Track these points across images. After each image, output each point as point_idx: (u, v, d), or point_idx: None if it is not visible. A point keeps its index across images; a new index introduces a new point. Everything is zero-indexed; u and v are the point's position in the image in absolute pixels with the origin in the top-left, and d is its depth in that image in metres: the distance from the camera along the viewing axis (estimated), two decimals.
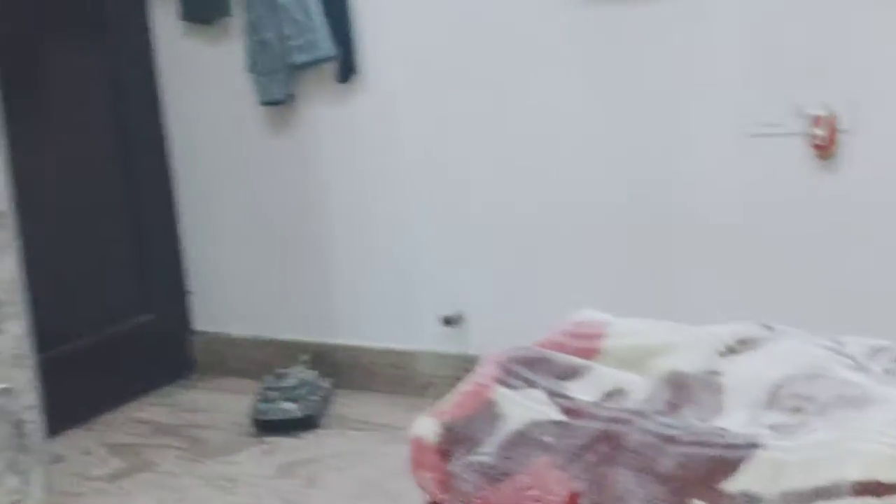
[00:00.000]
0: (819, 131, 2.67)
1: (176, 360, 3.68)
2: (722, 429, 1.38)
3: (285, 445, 3.11)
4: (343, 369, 3.43)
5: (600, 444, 1.43)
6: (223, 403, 3.44)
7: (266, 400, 3.22)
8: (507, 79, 3.09)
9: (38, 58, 3.33)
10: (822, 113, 2.66)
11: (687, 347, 1.57)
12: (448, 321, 3.27)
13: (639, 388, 1.54)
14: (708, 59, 2.83)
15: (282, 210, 3.51)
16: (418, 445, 1.54)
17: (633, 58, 2.93)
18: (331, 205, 3.43)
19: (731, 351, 1.57)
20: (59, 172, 3.34)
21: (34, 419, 2.59)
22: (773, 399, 1.44)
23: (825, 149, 2.69)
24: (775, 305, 2.70)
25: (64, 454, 3.10)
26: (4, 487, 2.50)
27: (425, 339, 3.32)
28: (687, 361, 1.54)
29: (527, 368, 1.56)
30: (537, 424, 1.48)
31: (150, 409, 3.44)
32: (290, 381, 3.27)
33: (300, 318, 3.53)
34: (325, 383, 3.33)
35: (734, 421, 1.42)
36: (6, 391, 2.50)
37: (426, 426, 1.55)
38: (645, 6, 2.88)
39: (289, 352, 3.48)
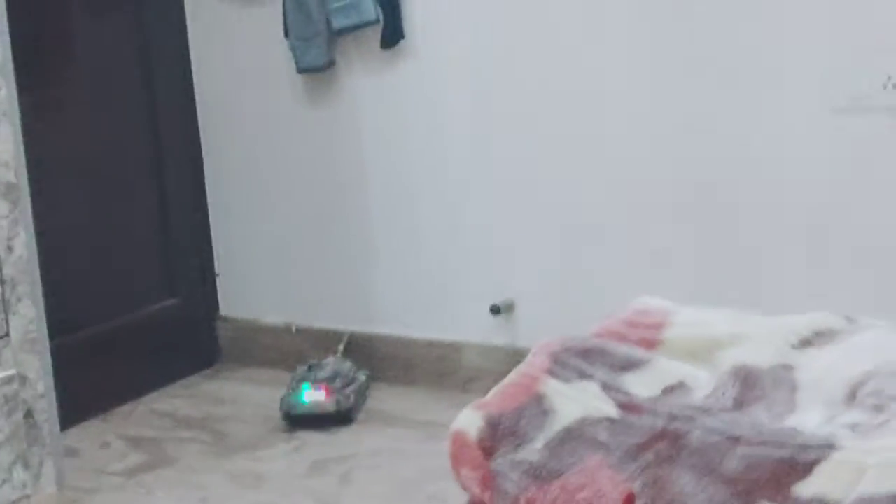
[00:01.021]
0: None
1: (201, 348, 3.70)
2: (794, 428, 1.37)
3: (317, 441, 3.12)
4: (381, 361, 3.44)
5: (659, 443, 1.42)
6: (251, 395, 3.46)
7: (297, 392, 3.23)
8: (561, 47, 3.07)
9: (65, 24, 3.36)
10: None
11: (757, 339, 1.56)
12: (496, 310, 3.26)
13: (703, 382, 1.52)
14: (791, 24, 2.80)
15: (318, 187, 3.52)
16: (460, 440, 1.53)
17: (703, 25, 2.90)
18: (371, 182, 3.43)
19: (806, 344, 1.55)
20: (82, 145, 3.37)
21: (46, 409, 2.62)
22: (852, 397, 1.42)
23: None
24: (860, 296, 2.67)
25: (78, 447, 3.13)
26: (13, 481, 2.53)
27: (471, 329, 3.32)
28: (757, 354, 1.53)
29: (581, 359, 1.55)
30: (590, 421, 1.47)
31: (172, 401, 3.47)
32: (323, 373, 3.28)
33: (335, 304, 3.54)
34: (362, 375, 3.33)
35: (808, 420, 1.40)
36: (17, 378, 2.53)
37: (469, 420, 1.54)
38: None
39: (323, 341, 3.49)
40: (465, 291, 3.32)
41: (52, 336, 2.81)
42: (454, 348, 3.35)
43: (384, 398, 3.35)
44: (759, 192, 2.90)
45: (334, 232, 3.52)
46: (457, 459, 1.54)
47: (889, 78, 2.67)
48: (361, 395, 3.30)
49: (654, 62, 2.98)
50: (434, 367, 3.38)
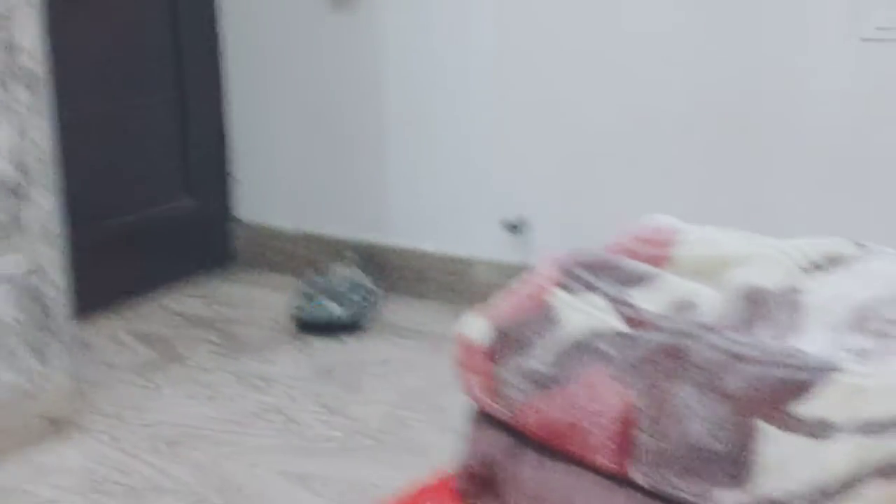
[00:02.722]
0: None
1: (214, 250, 3.73)
2: (797, 349, 1.38)
3: (325, 347, 3.16)
4: (393, 272, 3.46)
5: (662, 358, 1.43)
6: (262, 299, 3.49)
7: (308, 298, 3.26)
8: None
9: None
10: None
11: (767, 261, 1.56)
12: (510, 227, 3.27)
13: (710, 301, 1.53)
14: None
15: (337, 93, 3.52)
16: (466, 346, 1.55)
17: None
18: (391, 90, 3.43)
19: (816, 267, 1.56)
20: (101, 37, 3.36)
21: (60, 300, 2.65)
22: (858, 322, 1.43)
23: None
24: (875, 224, 2.68)
25: (90, 340, 3.17)
26: (26, 370, 2.57)
27: (484, 245, 3.34)
28: (766, 275, 1.53)
29: (589, 272, 1.56)
30: (596, 333, 1.48)
31: (184, 300, 3.51)
32: (334, 281, 3.30)
33: (350, 213, 3.56)
34: (373, 285, 3.35)
35: (812, 342, 1.41)
36: (34, 271, 2.56)
37: (475, 326, 1.56)
38: None
39: (335, 249, 3.52)
40: (479, 207, 3.33)
41: (68, 227, 2.83)
42: (466, 263, 3.37)
43: (394, 309, 3.38)
44: (778, 118, 2.90)
45: (351, 141, 3.52)
46: (463, 365, 1.55)
47: None
48: (372, 304, 3.33)
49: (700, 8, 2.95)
50: (445, 281, 3.40)
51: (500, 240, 3.28)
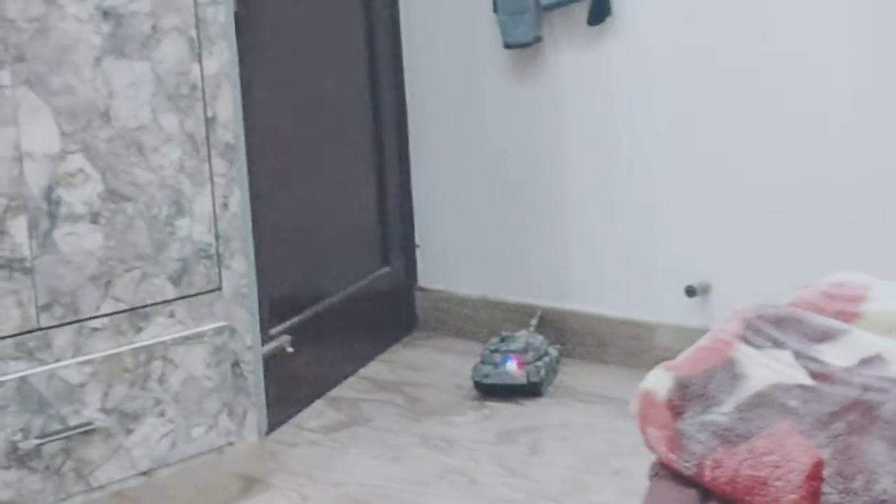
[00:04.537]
0: None
1: (401, 317, 3.79)
2: None
3: (507, 411, 3.17)
4: (573, 337, 3.47)
5: (851, 413, 1.40)
6: (445, 363, 3.54)
7: (489, 363, 3.29)
8: (764, 26, 3.03)
9: None
10: None
11: None
12: (691, 291, 3.25)
13: None
14: None
15: (519, 161, 3.57)
16: (648, 399, 1.55)
17: None
18: (572, 158, 3.46)
19: None
20: (299, 112, 3.42)
21: (253, 361, 2.74)
22: None
23: None
24: None
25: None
26: (219, 428, 2.66)
27: (666, 309, 3.32)
28: None
29: (774, 327, 1.55)
30: (782, 387, 1.47)
31: (371, 365, 3.57)
32: (516, 345, 3.32)
33: (531, 279, 3.59)
34: (553, 350, 3.37)
35: None
36: (227, 330, 2.65)
37: (658, 380, 1.56)
38: None
39: (516, 314, 3.54)
40: (661, 271, 3.31)
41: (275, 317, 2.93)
42: (647, 328, 3.35)
43: (575, 374, 3.38)
44: None
45: (532, 207, 3.56)
46: (644, 419, 1.55)
47: None
48: (552, 369, 3.34)
49: (871, 51, 2.91)
50: (626, 346, 3.39)
51: (682, 304, 3.26)
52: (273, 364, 3.03)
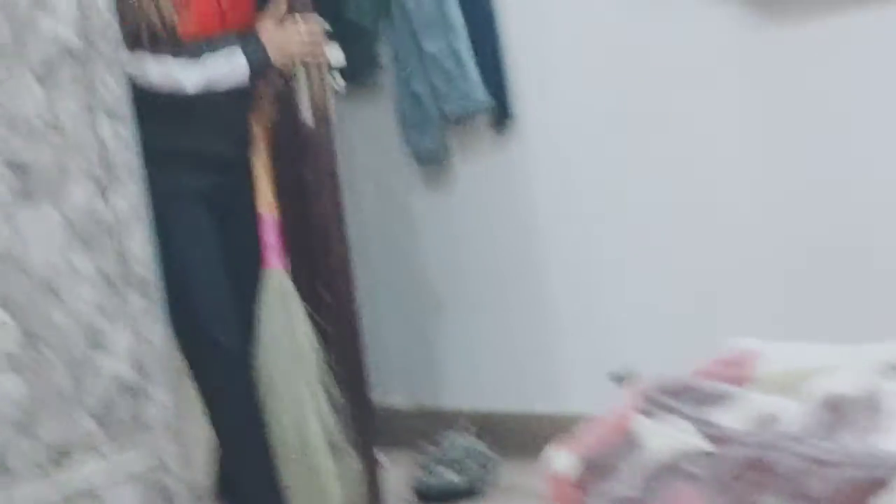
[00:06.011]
0: None
1: None
2: (878, 448, 1.39)
3: None
4: (508, 436, 3.48)
5: (749, 472, 1.44)
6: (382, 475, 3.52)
7: (426, 469, 3.29)
8: (672, 116, 3.09)
9: None
10: None
11: (844, 368, 1.58)
12: (617, 379, 3.27)
13: (793, 413, 1.54)
14: None
15: (437, 272, 3.61)
16: (556, 481, 1.58)
17: (813, 84, 2.88)
18: (491, 264, 3.51)
19: (893, 369, 1.57)
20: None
21: (185, 494, 2.70)
22: None
23: None
24: None
25: None
26: None
27: (589, 399, 3.32)
28: (844, 382, 1.54)
29: (669, 396, 1.59)
30: (681, 454, 1.51)
31: None
32: (450, 450, 3.33)
33: (457, 384, 3.61)
34: (488, 451, 3.37)
35: (894, 442, 1.42)
36: (158, 468, 2.63)
37: (563, 460, 1.59)
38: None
39: (449, 419, 3.55)
40: (580, 361, 3.34)
41: None
42: (581, 420, 3.36)
43: (512, 473, 3.38)
44: (882, 258, 2.84)
45: (454, 313, 3.60)
46: (556, 499, 1.58)
47: None
48: (489, 470, 3.34)
49: (775, 129, 2.97)
50: (562, 441, 3.39)
51: (611, 393, 3.27)
52: None
